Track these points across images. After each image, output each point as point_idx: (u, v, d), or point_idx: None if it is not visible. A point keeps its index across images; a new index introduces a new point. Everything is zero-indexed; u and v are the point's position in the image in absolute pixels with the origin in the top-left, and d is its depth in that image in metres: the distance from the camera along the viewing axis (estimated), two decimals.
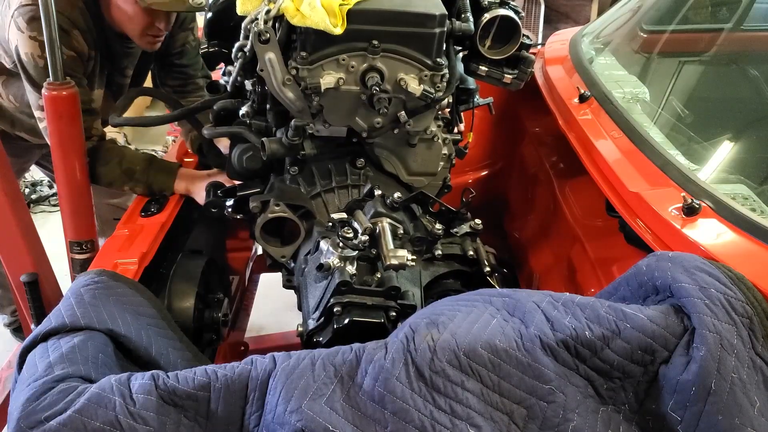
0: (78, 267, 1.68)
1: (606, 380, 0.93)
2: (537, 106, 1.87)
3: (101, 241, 1.65)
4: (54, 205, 3.72)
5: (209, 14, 1.36)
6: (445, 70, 1.26)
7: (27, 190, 3.80)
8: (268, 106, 1.32)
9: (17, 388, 0.99)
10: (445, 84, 1.27)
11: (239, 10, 1.23)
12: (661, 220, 1.15)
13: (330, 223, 1.26)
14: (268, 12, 1.17)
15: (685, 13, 2.05)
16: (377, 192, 1.32)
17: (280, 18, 1.19)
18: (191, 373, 0.95)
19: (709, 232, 1.09)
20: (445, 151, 1.42)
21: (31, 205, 3.69)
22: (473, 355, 0.92)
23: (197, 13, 1.83)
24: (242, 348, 1.98)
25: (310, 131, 1.29)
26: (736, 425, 0.85)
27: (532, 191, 1.98)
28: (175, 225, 1.62)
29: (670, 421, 0.89)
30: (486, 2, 1.33)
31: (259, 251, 2.05)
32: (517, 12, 1.34)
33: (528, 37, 1.36)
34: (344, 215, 1.26)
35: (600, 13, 4.64)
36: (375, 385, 0.91)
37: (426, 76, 1.25)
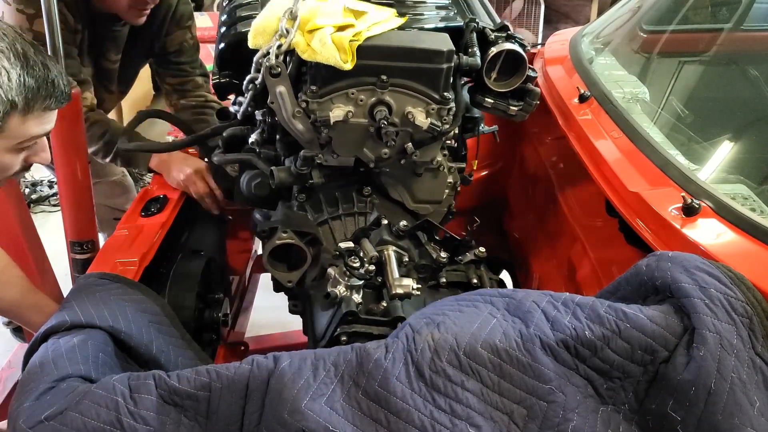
0: (79, 267, 1.68)
1: (606, 380, 0.93)
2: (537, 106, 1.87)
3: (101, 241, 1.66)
4: (54, 205, 3.72)
5: (221, 45, 1.37)
6: (452, 104, 1.29)
7: (27, 190, 3.80)
8: (278, 136, 1.34)
9: (18, 388, 0.99)
10: (451, 117, 1.29)
11: (251, 44, 1.24)
12: (661, 220, 1.15)
13: (337, 252, 1.28)
14: (279, 47, 1.19)
15: (685, 13, 2.04)
16: (384, 221, 1.34)
17: (291, 52, 1.21)
18: (191, 373, 0.95)
19: (709, 232, 1.09)
20: (450, 179, 1.45)
21: (31, 205, 3.69)
22: (473, 355, 0.93)
23: (195, 12, 1.84)
24: (242, 348, 1.98)
25: (318, 161, 1.31)
26: (735, 425, 0.85)
27: (532, 191, 1.99)
28: (176, 225, 1.62)
29: (669, 421, 0.89)
30: (493, 36, 1.35)
31: (260, 251, 2.05)
32: (523, 46, 1.36)
33: (534, 69, 1.37)
34: (351, 244, 1.29)
35: (600, 13, 4.64)
36: (375, 385, 0.91)
37: (433, 109, 1.27)
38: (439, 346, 0.94)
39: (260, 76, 1.22)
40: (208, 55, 4.46)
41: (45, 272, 1.72)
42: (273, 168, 1.35)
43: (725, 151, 1.47)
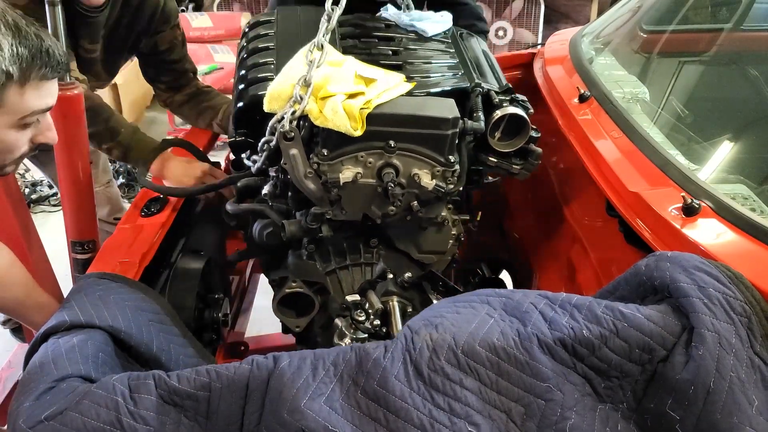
0: (80, 267, 1.68)
1: (604, 379, 0.94)
2: (537, 106, 1.87)
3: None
4: (54, 205, 3.72)
5: (239, 104, 1.43)
6: (457, 166, 1.33)
7: (27, 190, 3.80)
8: (289, 192, 1.39)
9: (18, 388, 0.99)
10: (456, 178, 1.34)
11: (266, 108, 1.29)
12: (661, 220, 1.15)
13: (344, 304, 1.36)
14: (293, 113, 1.24)
15: (685, 13, 2.05)
16: (389, 276, 1.42)
17: (304, 116, 1.27)
18: (191, 373, 0.95)
19: (709, 232, 1.09)
20: (454, 231, 1.49)
21: (31, 205, 3.69)
22: (471, 354, 0.93)
23: (195, 12, 1.83)
24: (242, 348, 1.97)
25: (327, 216, 1.36)
26: (734, 424, 0.85)
27: (532, 191, 1.99)
28: (175, 225, 1.62)
29: (668, 420, 0.89)
30: (497, 99, 1.40)
31: None
32: (526, 108, 1.40)
33: (536, 130, 1.42)
34: (357, 297, 1.37)
35: (600, 13, 4.64)
36: (374, 384, 0.92)
37: (438, 171, 1.32)
38: (437, 345, 0.94)
39: (274, 138, 1.28)
40: (207, 54, 4.48)
41: (45, 272, 1.72)
42: (284, 221, 1.40)
43: (725, 151, 1.47)
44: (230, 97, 1.93)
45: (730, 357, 0.88)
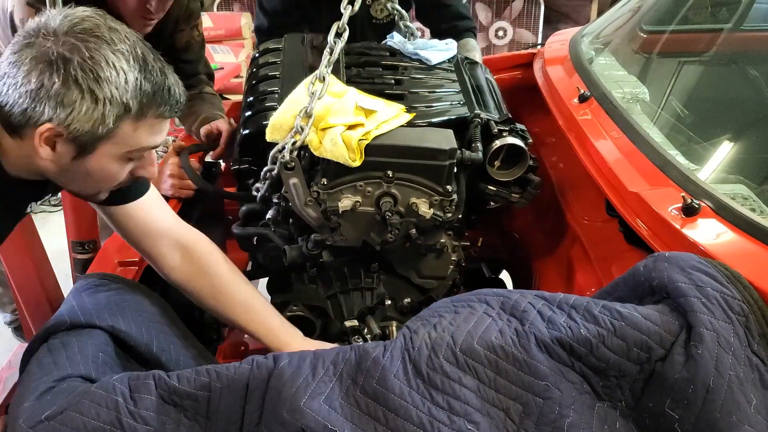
0: (80, 267, 1.68)
1: (602, 378, 0.94)
2: (537, 106, 1.87)
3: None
4: (54, 205, 3.72)
5: (245, 131, 1.45)
6: (454, 196, 1.35)
7: None
8: (290, 219, 1.42)
9: (18, 388, 1.00)
10: (454, 207, 1.36)
11: (268, 138, 1.33)
12: (660, 220, 1.15)
13: (343, 329, 1.41)
14: (294, 143, 1.28)
15: (685, 13, 2.05)
16: (387, 302, 1.46)
17: (305, 147, 1.30)
18: (191, 373, 0.96)
19: (709, 232, 1.09)
20: (454, 257, 1.50)
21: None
22: (470, 352, 0.93)
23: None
24: (242, 348, 1.97)
25: (328, 242, 1.38)
26: (733, 423, 0.85)
27: None
28: None
29: (667, 420, 0.89)
30: (496, 130, 1.41)
31: None
32: (525, 139, 1.42)
33: (535, 159, 1.44)
34: (356, 322, 1.42)
35: (600, 13, 4.64)
36: (373, 383, 0.92)
37: (436, 200, 1.35)
38: (436, 343, 0.94)
39: (276, 168, 1.31)
40: (207, 54, 4.48)
41: (45, 273, 1.72)
42: (286, 247, 1.42)
43: (725, 151, 1.47)
44: (221, 106, 1.94)
45: (729, 356, 0.88)
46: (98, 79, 0.91)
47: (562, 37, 2.08)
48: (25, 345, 1.10)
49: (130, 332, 1.13)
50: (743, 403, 0.86)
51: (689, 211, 1.12)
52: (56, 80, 0.90)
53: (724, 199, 1.13)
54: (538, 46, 2.08)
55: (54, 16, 0.93)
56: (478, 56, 1.95)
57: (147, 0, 1.64)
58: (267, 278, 1.62)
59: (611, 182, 1.32)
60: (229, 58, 4.43)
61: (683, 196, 1.15)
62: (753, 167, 1.42)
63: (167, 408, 0.93)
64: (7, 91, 0.92)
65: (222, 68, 4.34)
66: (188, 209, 1.71)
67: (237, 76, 4.31)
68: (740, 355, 0.89)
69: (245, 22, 4.55)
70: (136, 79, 0.94)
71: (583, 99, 1.61)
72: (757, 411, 0.87)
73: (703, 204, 1.13)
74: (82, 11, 0.95)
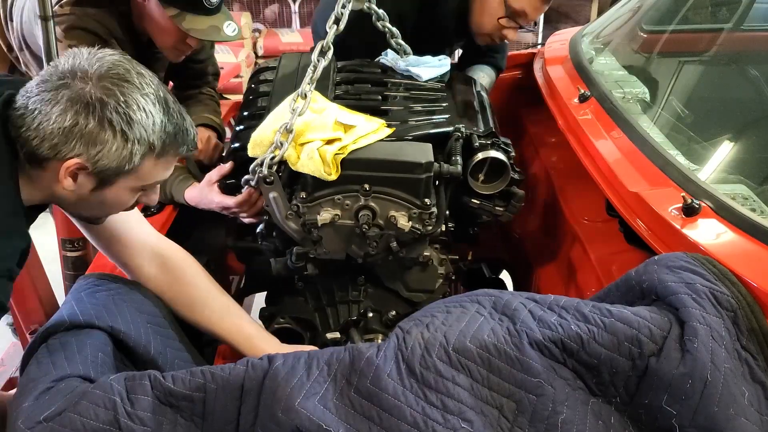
0: (70, 264, 1.69)
1: (595, 375, 0.95)
2: (537, 106, 1.87)
3: None
4: None
5: (235, 144, 1.47)
6: (433, 209, 1.35)
7: None
8: (274, 233, 1.43)
9: (18, 388, 1.00)
10: (434, 220, 1.36)
11: (250, 153, 1.36)
12: (661, 220, 1.15)
13: (326, 343, 1.42)
14: (273, 158, 1.29)
15: (685, 13, 2.04)
16: (370, 314, 1.47)
17: (284, 162, 1.32)
18: (187, 374, 0.96)
19: (709, 232, 1.09)
20: (441, 270, 1.49)
21: None
22: (463, 351, 0.94)
23: None
24: None
25: (311, 255, 1.39)
26: (731, 415, 0.86)
27: (532, 191, 1.98)
28: (175, 225, 1.62)
29: (664, 415, 0.90)
30: (478, 143, 1.41)
31: None
32: (507, 152, 1.42)
33: (519, 172, 1.44)
34: (338, 335, 1.44)
35: (600, 13, 4.64)
36: (367, 383, 0.92)
37: (415, 214, 1.35)
38: (428, 343, 0.95)
39: (254, 179, 1.33)
40: None
41: (37, 275, 1.73)
42: (272, 260, 1.45)
43: (725, 151, 1.47)
44: (215, 107, 1.95)
45: (722, 349, 0.89)
46: (130, 122, 0.98)
47: (562, 37, 2.08)
48: (17, 342, 1.10)
49: (129, 333, 1.13)
50: (738, 395, 0.87)
51: (689, 211, 1.12)
52: (91, 121, 0.96)
53: (724, 199, 1.13)
54: (538, 46, 2.07)
55: (87, 59, 0.99)
56: (484, 79, 1.89)
57: (184, 37, 1.68)
58: (265, 292, 1.64)
59: (611, 182, 1.32)
60: (229, 57, 4.42)
61: (683, 196, 1.15)
62: (753, 167, 1.41)
63: (163, 408, 0.93)
64: (38, 126, 0.96)
65: (222, 68, 4.33)
66: (188, 210, 1.71)
67: (237, 76, 4.30)
68: (731, 349, 0.90)
69: (245, 21, 4.54)
70: (162, 120, 1.01)
71: (583, 99, 1.61)
72: (750, 403, 0.88)
73: (703, 204, 1.13)
74: (110, 55, 1.01)
